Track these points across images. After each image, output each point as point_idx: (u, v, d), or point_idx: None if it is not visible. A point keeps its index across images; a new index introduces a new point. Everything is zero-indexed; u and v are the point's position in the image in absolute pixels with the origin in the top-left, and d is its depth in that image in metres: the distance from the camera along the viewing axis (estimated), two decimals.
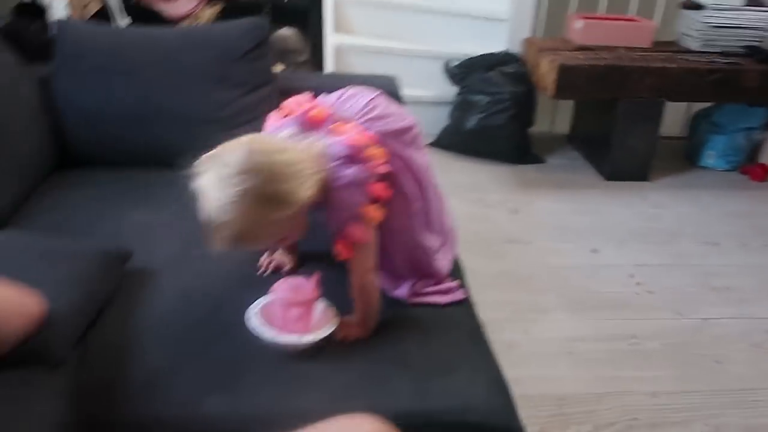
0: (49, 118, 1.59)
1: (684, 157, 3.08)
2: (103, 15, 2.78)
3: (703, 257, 2.22)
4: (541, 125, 3.17)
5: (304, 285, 1.02)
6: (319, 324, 1.01)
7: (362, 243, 1.01)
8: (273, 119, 1.12)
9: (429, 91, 3.08)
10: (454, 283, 1.20)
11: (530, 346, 1.71)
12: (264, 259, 1.21)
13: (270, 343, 0.98)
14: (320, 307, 1.03)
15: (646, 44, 2.91)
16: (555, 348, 1.71)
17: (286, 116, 1.08)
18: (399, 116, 1.14)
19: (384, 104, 1.15)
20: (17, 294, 0.83)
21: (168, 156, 1.61)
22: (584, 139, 3.11)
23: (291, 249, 1.22)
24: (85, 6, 2.83)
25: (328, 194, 0.98)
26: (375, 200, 1.02)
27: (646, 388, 1.58)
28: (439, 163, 2.78)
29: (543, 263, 2.11)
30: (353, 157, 1.03)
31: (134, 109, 1.58)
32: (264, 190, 0.89)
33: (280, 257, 1.21)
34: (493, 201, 2.54)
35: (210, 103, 1.62)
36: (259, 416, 0.90)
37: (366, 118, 1.09)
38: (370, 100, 1.13)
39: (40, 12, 2.33)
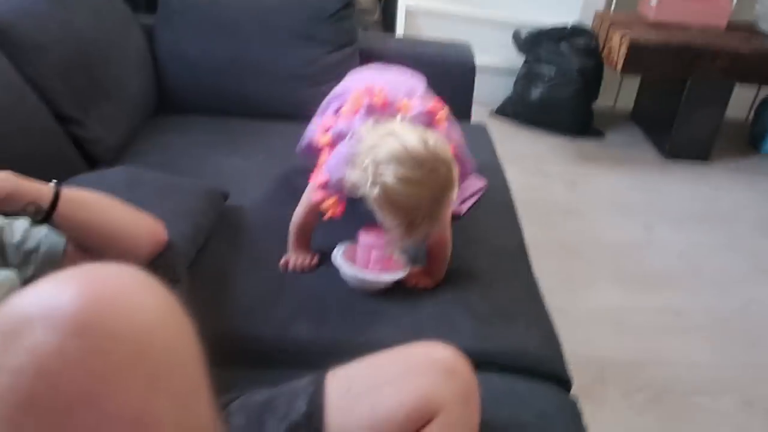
0: (150, 66, 1.74)
1: (747, 142, 3.06)
2: None
3: (756, 241, 2.26)
4: (604, 100, 3.19)
5: (382, 233, 1.15)
6: (394, 267, 1.14)
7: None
8: (344, 118, 1.18)
9: (496, 58, 3.12)
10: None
11: (578, 312, 1.81)
12: (284, 260, 1.19)
13: (351, 279, 1.12)
14: (395, 254, 1.16)
15: (721, 24, 2.87)
16: (601, 316, 1.81)
17: (356, 112, 1.15)
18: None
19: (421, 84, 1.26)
20: (146, 218, 0.98)
21: (257, 106, 1.78)
22: (647, 117, 3.12)
23: (307, 245, 1.21)
24: None
25: None
26: None
27: (685, 359, 1.67)
28: (501, 132, 2.86)
29: (596, 236, 2.19)
30: (430, 124, 1.15)
31: (229, 62, 1.72)
32: (449, 176, 0.97)
33: (299, 257, 1.19)
34: (551, 172, 2.61)
35: (297, 60, 1.74)
36: (338, 343, 1.04)
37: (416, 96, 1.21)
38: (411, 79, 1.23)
39: None
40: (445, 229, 1.15)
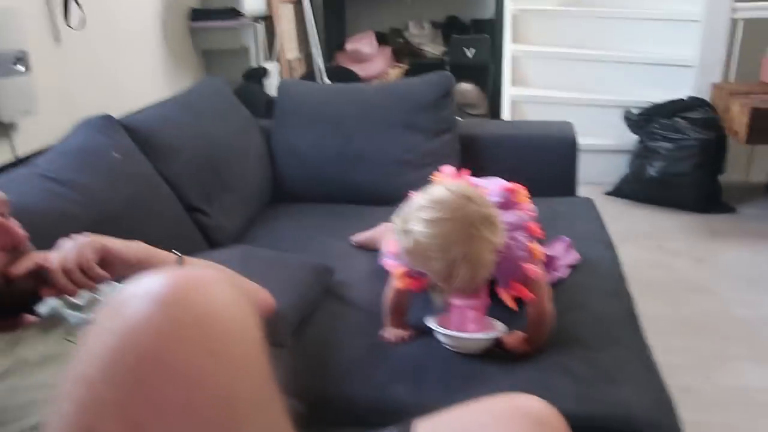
0: (267, 162, 1.92)
1: None
2: (308, 77, 3.23)
3: None
4: (735, 174, 3.02)
5: (475, 297, 1.15)
6: (490, 328, 1.14)
7: (539, 279, 1.11)
8: None
9: (607, 139, 3.09)
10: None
11: (710, 392, 1.65)
12: (387, 334, 1.19)
13: (448, 339, 1.12)
14: (487, 318, 1.16)
15: None
16: (737, 397, 1.63)
17: None
18: None
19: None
20: (257, 287, 1.07)
21: (362, 193, 1.88)
22: None
23: (402, 321, 1.21)
24: (293, 69, 3.31)
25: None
26: (535, 238, 1.14)
27: None
28: (618, 211, 2.78)
29: (730, 313, 2.02)
30: (508, 202, 1.17)
31: (337, 153, 1.86)
32: (481, 212, 0.99)
33: (398, 332, 1.19)
34: (674, 249, 2.46)
35: (399, 147, 1.85)
36: (435, 404, 1.02)
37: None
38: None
39: (262, 75, 2.79)
40: (545, 303, 1.12)
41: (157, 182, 1.46)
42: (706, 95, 2.88)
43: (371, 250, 1.53)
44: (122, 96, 2.19)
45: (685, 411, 1.09)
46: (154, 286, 0.50)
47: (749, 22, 2.87)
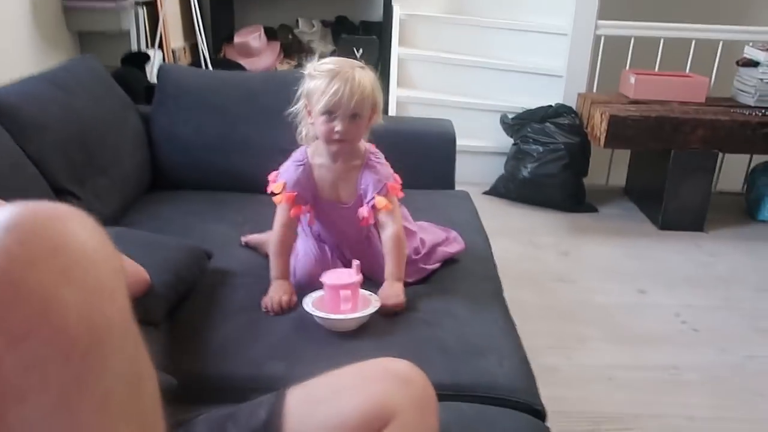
0: (146, 147, 1.85)
1: (744, 211, 3.09)
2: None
3: (753, 302, 2.24)
4: (597, 178, 3.28)
5: (347, 272, 1.20)
6: (363, 305, 1.18)
7: (396, 197, 1.31)
8: None
9: (485, 141, 3.26)
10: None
11: (571, 370, 1.79)
12: (266, 300, 1.23)
13: (322, 321, 1.15)
14: (362, 291, 1.21)
15: (700, 100, 3.00)
16: (595, 373, 1.78)
17: None
18: None
19: None
20: (132, 263, 1.03)
21: (245, 180, 1.86)
22: (639, 191, 3.19)
23: (287, 268, 1.30)
24: (178, 60, 3.21)
25: (367, 160, 1.31)
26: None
27: (684, 412, 1.63)
28: (494, 209, 2.94)
29: (588, 300, 2.20)
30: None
31: (220, 139, 1.83)
32: (375, 78, 1.28)
33: (279, 291, 1.25)
34: (543, 243, 2.64)
35: (284, 136, 1.84)
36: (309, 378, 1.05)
37: None
38: None
39: (143, 61, 2.68)
40: (400, 226, 1.30)
41: (22, 161, 1.37)
42: (572, 103, 3.12)
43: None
44: None
45: (548, 387, 1.19)
46: (3, 215, 0.46)
47: (610, 39, 3.14)
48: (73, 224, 0.48)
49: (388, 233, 1.28)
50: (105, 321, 0.47)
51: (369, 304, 1.18)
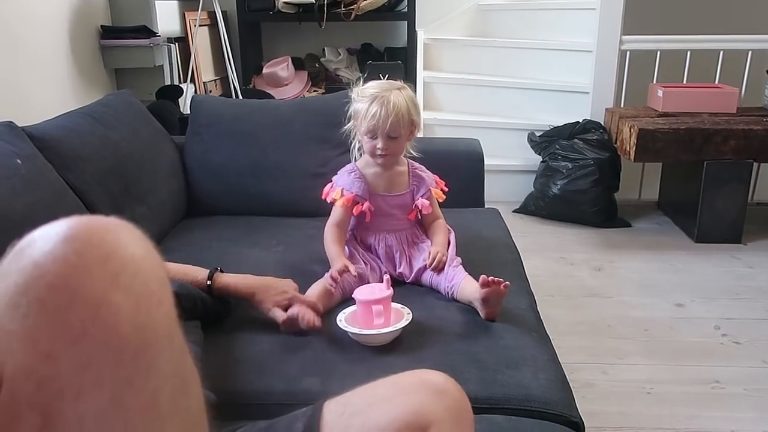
0: (181, 175, 1.91)
1: None
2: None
3: None
4: (629, 193, 3.25)
5: (378, 287, 1.22)
6: (396, 318, 1.19)
7: (440, 200, 1.52)
8: None
9: (513, 160, 3.26)
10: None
11: (608, 385, 1.76)
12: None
13: (356, 337, 1.17)
14: (394, 305, 1.23)
15: (730, 110, 2.96)
16: (633, 388, 1.75)
17: None
18: None
19: None
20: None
21: (277, 205, 1.90)
22: (673, 204, 3.14)
23: (342, 252, 1.41)
24: (209, 92, 3.30)
25: (411, 166, 1.51)
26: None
27: (727, 426, 1.59)
28: (525, 227, 2.93)
29: (624, 315, 2.17)
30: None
31: (252, 166, 1.88)
32: (413, 97, 1.45)
33: (341, 264, 1.33)
34: (576, 260, 2.62)
35: (314, 160, 1.89)
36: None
37: None
38: None
39: (177, 94, 2.77)
40: (441, 214, 1.53)
41: (63, 190, 1.42)
42: (600, 119, 3.11)
43: None
44: (27, 111, 2.12)
45: (585, 403, 1.18)
46: (60, 227, 0.50)
47: (635, 53, 3.13)
48: (123, 235, 0.52)
49: (438, 222, 1.50)
50: (153, 324, 0.49)
51: (402, 317, 1.20)
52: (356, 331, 1.16)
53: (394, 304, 1.22)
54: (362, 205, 1.44)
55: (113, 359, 0.47)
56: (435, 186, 1.52)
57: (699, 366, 1.86)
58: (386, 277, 1.26)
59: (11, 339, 0.46)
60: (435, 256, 1.39)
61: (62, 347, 0.46)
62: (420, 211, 1.48)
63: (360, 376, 1.09)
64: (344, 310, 1.24)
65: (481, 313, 1.26)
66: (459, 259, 1.42)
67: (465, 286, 1.32)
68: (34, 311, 0.46)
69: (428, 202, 1.48)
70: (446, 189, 1.55)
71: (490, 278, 1.22)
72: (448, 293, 1.35)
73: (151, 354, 0.49)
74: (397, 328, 1.16)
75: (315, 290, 1.30)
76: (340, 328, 1.19)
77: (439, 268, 1.39)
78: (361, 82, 1.47)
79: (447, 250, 1.43)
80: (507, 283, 1.22)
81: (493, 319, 1.26)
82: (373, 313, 1.16)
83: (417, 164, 1.53)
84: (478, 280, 1.25)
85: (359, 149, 1.50)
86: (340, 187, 1.46)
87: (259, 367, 1.12)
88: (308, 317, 1.20)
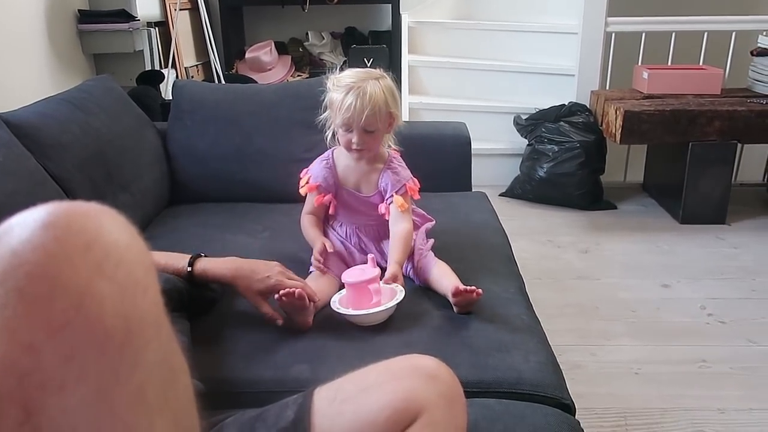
0: (164, 162, 1.88)
1: (766, 202, 3.05)
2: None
3: None
4: (614, 175, 3.26)
5: (365, 267, 1.22)
6: (391, 296, 1.19)
7: (413, 198, 1.39)
8: None
9: (499, 144, 3.26)
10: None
11: (596, 366, 1.77)
12: (317, 252, 1.34)
13: (353, 318, 1.16)
14: (383, 285, 1.22)
15: (715, 92, 2.97)
16: (621, 369, 1.76)
17: None
18: None
19: None
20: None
21: (262, 191, 1.88)
22: (658, 186, 3.16)
23: (319, 234, 1.41)
24: (191, 77, 3.25)
25: (389, 163, 1.39)
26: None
27: (714, 404, 1.61)
28: (512, 210, 2.93)
29: (611, 296, 2.18)
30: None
31: (236, 151, 1.85)
32: (392, 87, 1.34)
33: (320, 245, 1.36)
34: (563, 242, 2.63)
35: (299, 146, 1.86)
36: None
37: None
38: None
39: (158, 80, 2.72)
40: (410, 223, 1.36)
41: (43, 178, 1.39)
42: (585, 101, 3.11)
43: None
44: (3, 97, 2.07)
45: (574, 384, 1.18)
46: (39, 214, 0.48)
47: (620, 35, 3.13)
48: (106, 220, 0.49)
49: (399, 227, 1.35)
50: (138, 313, 0.47)
51: (395, 294, 1.19)
52: (355, 312, 1.15)
53: (383, 287, 1.21)
54: (323, 197, 1.41)
55: (98, 350, 0.45)
56: (404, 192, 1.37)
57: (686, 346, 1.87)
58: (370, 256, 1.27)
59: None
60: (387, 280, 1.24)
61: (43, 338, 0.44)
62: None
63: (350, 362, 1.08)
64: (335, 295, 1.23)
65: (455, 309, 1.23)
66: (430, 243, 1.40)
67: (437, 278, 1.30)
68: (12, 301, 0.44)
69: (395, 205, 1.35)
70: (419, 187, 1.42)
71: (462, 288, 1.19)
72: (421, 284, 1.35)
73: (138, 344, 0.47)
74: (395, 303, 1.16)
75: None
76: (335, 312, 1.18)
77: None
78: (337, 70, 1.39)
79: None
80: (480, 291, 1.20)
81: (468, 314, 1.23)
82: (371, 291, 1.16)
83: (397, 162, 1.41)
84: (456, 273, 1.28)
85: (334, 136, 1.42)
86: (310, 175, 1.44)
87: (248, 355, 1.11)
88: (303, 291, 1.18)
